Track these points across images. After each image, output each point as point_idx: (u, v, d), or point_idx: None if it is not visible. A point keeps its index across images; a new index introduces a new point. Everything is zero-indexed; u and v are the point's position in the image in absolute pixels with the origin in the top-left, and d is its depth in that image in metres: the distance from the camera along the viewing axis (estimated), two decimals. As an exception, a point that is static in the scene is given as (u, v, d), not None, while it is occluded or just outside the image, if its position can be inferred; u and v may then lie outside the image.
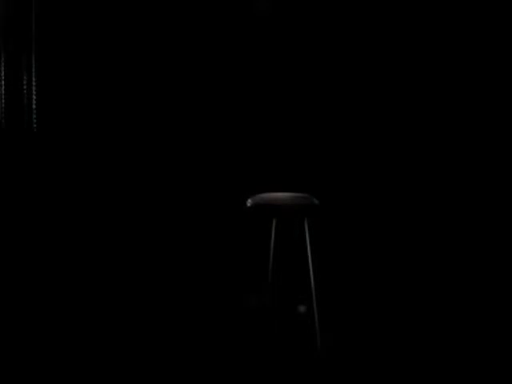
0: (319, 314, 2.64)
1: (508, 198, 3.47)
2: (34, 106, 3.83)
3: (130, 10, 3.95)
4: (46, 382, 2.46)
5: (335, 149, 3.70)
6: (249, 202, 2.58)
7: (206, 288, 3.40)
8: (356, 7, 3.63)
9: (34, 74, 3.81)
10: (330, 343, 2.73)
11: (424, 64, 3.59)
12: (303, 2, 3.68)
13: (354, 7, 3.63)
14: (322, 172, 3.64)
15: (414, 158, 3.62)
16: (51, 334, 2.83)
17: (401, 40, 3.59)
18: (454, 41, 3.54)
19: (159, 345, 2.75)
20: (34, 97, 3.83)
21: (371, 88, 3.65)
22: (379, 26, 3.61)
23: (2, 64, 3.80)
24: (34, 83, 3.84)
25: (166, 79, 3.99)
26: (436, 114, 3.59)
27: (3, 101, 3.82)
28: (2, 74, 3.76)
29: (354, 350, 2.72)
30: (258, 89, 3.84)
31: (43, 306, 3.13)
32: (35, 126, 3.88)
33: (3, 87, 3.79)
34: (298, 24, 3.70)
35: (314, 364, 2.60)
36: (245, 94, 3.87)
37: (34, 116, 3.84)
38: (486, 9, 3.47)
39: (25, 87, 3.84)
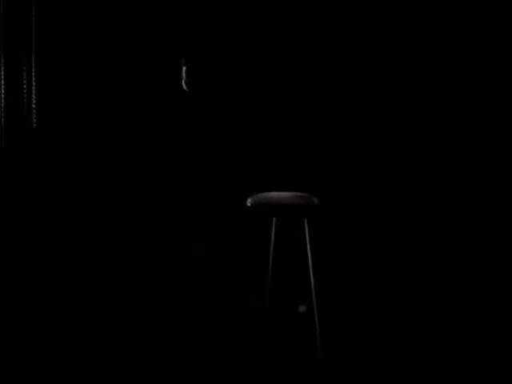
0: (319, 313, 2.64)
1: (508, 198, 3.47)
2: (33, 101, 3.82)
3: (130, 9, 3.94)
4: (45, 382, 2.46)
5: (335, 148, 3.70)
6: (249, 202, 2.57)
7: (206, 288, 3.40)
8: (356, 7, 3.62)
9: (33, 72, 3.81)
10: (330, 343, 2.72)
11: (424, 64, 3.58)
12: (303, 1, 3.67)
13: (354, 7, 3.63)
14: (322, 171, 3.64)
15: (414, 158, 3.61)
16: (49, 334, 2.83)
17: (401, 40, 3.58)
18: (453, 41, 3.53)
19: (159, 345, 2.74)
20: (34, 96, 3.82)
21: (371, 87, 3.64)
22: (380, 26, 3.61)
23: (2, 63, 3.79)
24: (33, 81, 3.83)
25: (165, 79, 3.99)
26: (436, 113, 3.58)
27: (3, 98, 3.82)
28: (2, 72, 3.75)
29: (354, 350, 2.72)
30: (258, 88, 3.83)
31: (44, 306, 3.13)
32: (35, 122, 3.88)
33: (3, 85, 3.79)
34: (298, 24, 3.69)
35: (314, 364, 2.60)
36: (245, 93, 3.86)
37: (34, 113, 3.83)
38: (486, 9, 3.47)
39: (24, 84, 3.84)
